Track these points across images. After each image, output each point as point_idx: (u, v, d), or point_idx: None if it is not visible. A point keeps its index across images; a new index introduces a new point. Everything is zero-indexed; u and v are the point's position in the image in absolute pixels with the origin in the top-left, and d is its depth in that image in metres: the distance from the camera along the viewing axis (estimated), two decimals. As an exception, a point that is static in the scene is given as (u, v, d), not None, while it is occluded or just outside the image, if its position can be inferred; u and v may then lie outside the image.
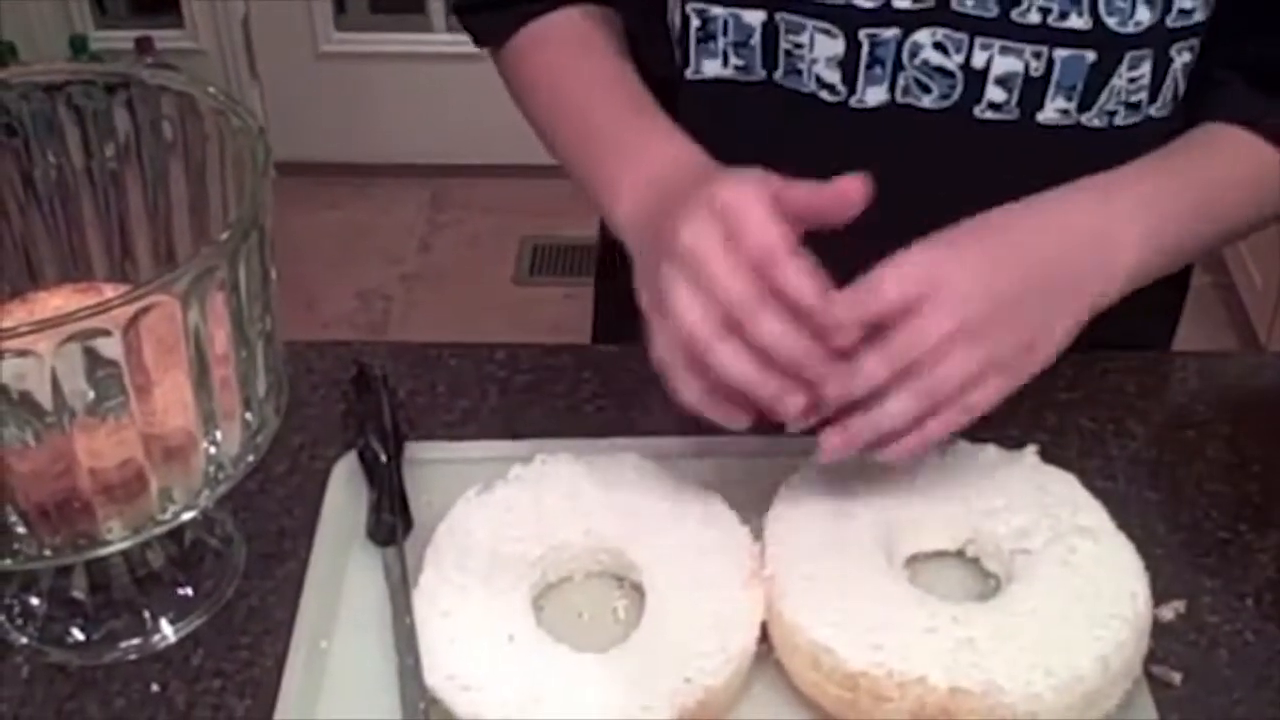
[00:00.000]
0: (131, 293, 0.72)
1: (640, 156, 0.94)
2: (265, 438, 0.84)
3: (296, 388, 0.97)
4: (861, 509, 0.88)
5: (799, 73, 0.97)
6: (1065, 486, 0.90)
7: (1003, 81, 0.94)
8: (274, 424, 0.85)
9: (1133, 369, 1.06)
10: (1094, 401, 1.03)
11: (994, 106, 0.96)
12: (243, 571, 0.92)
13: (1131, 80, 0.94)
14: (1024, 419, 0.99)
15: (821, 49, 0.95)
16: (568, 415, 1.03)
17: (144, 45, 2.93)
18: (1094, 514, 0.88)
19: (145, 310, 0.72)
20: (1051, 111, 0.95)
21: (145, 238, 0.90)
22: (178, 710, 0.84)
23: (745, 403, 0.81)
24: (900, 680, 0.78)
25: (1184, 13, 0.92)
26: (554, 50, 1.06)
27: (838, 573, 0.84)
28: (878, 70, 0.95)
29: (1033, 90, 0.94)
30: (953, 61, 0.94)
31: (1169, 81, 0.96)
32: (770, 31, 0.96)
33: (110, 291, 0.86)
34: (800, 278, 0.78)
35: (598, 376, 1.06)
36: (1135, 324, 0.97)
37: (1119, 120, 0.96)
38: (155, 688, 0.85)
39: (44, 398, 0.71)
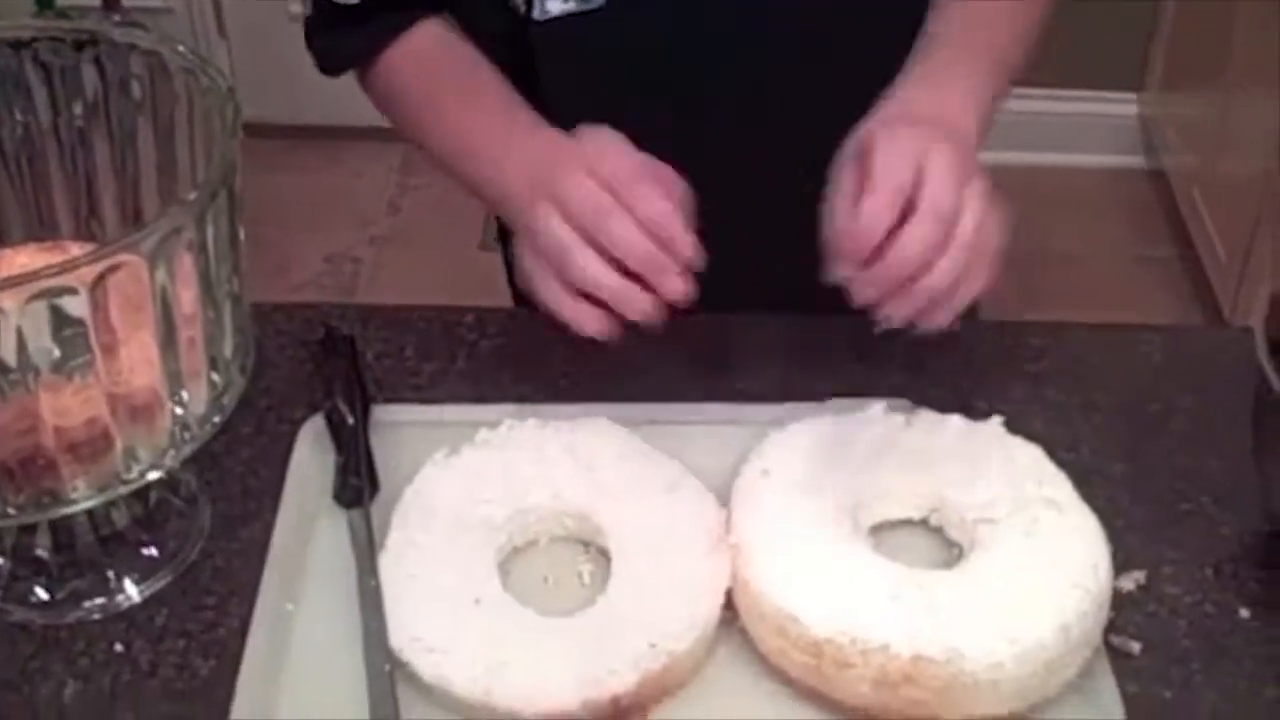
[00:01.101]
0: (98, 251, 0.72)
1: (523, 139, 1.00)
2: (231, 398, 0.84)
3: (263, 349, 0.96)
4: (827, 478, 0.89)
5: None
6: (1030, 458, 0.90)
7: None
8: (240, 385, 0.85)
9: (1098, 342, 1.07)
10: (1060, 373, 1.03)
11: None
12: (208, 532, 0.92)
13: None
14: (990, 390, 1.00)
15: None
16: (537, 379, 1.03)
17: (111, 2, 2.91)
18: (1058, 485, 0.88)
19: (112, 269, 0.72)
20: None
21: (112, 197, 0.89)
22: (141, 670, 0.84)
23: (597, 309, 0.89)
24: (863, 648, 0.79)
25: None
26: (425, 62, 1.10)
27: (803, 541, 0.85)
28: None
29: None
30: None
31: None
32: None
33: (76, 250, 0.85)
34: (652, 195, 0.88)
35: (565, 341, 1.06)
36: None
37: None
38: (119, 647, 0.85)
39: (9, 355, 0.71)
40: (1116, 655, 0.85)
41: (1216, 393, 1.01)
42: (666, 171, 0.91)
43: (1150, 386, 1.03)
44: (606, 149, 0.91)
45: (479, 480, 0.90)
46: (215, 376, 0.82)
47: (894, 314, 0.87)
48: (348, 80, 1.14)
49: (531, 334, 1.06)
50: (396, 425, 0.98)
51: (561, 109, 1.03)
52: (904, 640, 0.79)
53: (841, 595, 0.81)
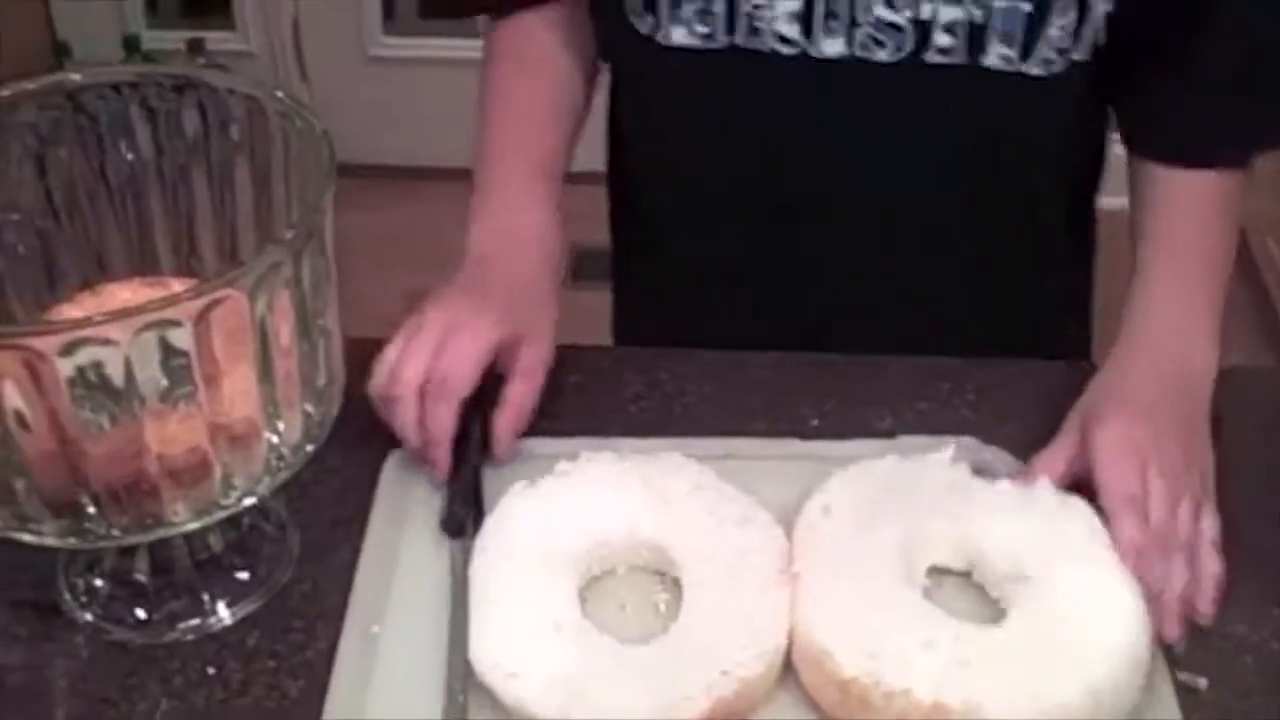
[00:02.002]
0: (202, 286, 0.76)
1: (503, 207, 1.11)
2: (323, 429, 0.88)
3: (350, 382, 0.99)
4: (883, 519, 0.90)
5: (758, 32, 1.04)
6: (1077, 515, 0.91)
7: (949, 29, 1.01)
8: (332, 416, 0.89)
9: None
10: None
11: (942, 51, 1.02)
12: (297, 557, 0.95)
13: (1060, 28, 1.01)
14: (1048, 432, 1.01)
15: (782, 5, 1.02)
16: (613, 414, 1.06)
17: (195, 46, 2.98)
18: (1100, 544, 0.89)
19: (215, 303, 0.75)
20: (994, 57, 1.02)
21: (211, 234, 0.93)
22: (233, 689, 0.87)
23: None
24: (887, 690, 0.80)
25: None
26: (525, 64, 1.18)
27: (852, 579, 0.87)
28: (834, 24, 1.02)
29: (977, 35, 1.01)
30: (902, 16, 1.01)
31: (1088, 29, 1.02)
32: None
33: (177, 285, 0.89)
34: (443, 424, 0.97)
35: (642, 378, 1.09)
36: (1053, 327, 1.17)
37: (1055, 68, 1.03)
38: (211, 669, 0.88)
39: (119, 384, 0.74)
40: (1184, 691, 0.86)
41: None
42: (527, 369, 1.01)
43: (1218, 427, 1.04)
44: (470, 340, 0.98)
45: (558, 511, 0.93)
46: (309, 407, 0.86)
47: (1171, 632, 0.89)
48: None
49: (610, 372, 1.09)
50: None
51: (656, 139, 1.11)
52: (927, 688, 0.80)
53: (876, 637, 0.83)
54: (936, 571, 0.91)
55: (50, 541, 0.82)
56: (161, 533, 0.83)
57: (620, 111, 1.22)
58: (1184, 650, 0.88)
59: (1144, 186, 1.09)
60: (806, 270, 1.16)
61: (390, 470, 1.00)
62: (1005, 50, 1.02)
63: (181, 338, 0.75)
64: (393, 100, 3.07)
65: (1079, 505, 0.92)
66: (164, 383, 0.76)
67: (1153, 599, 0.87)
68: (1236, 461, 1.01)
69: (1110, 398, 0.98)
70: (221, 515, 0.84)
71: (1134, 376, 1.00)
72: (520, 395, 1.00)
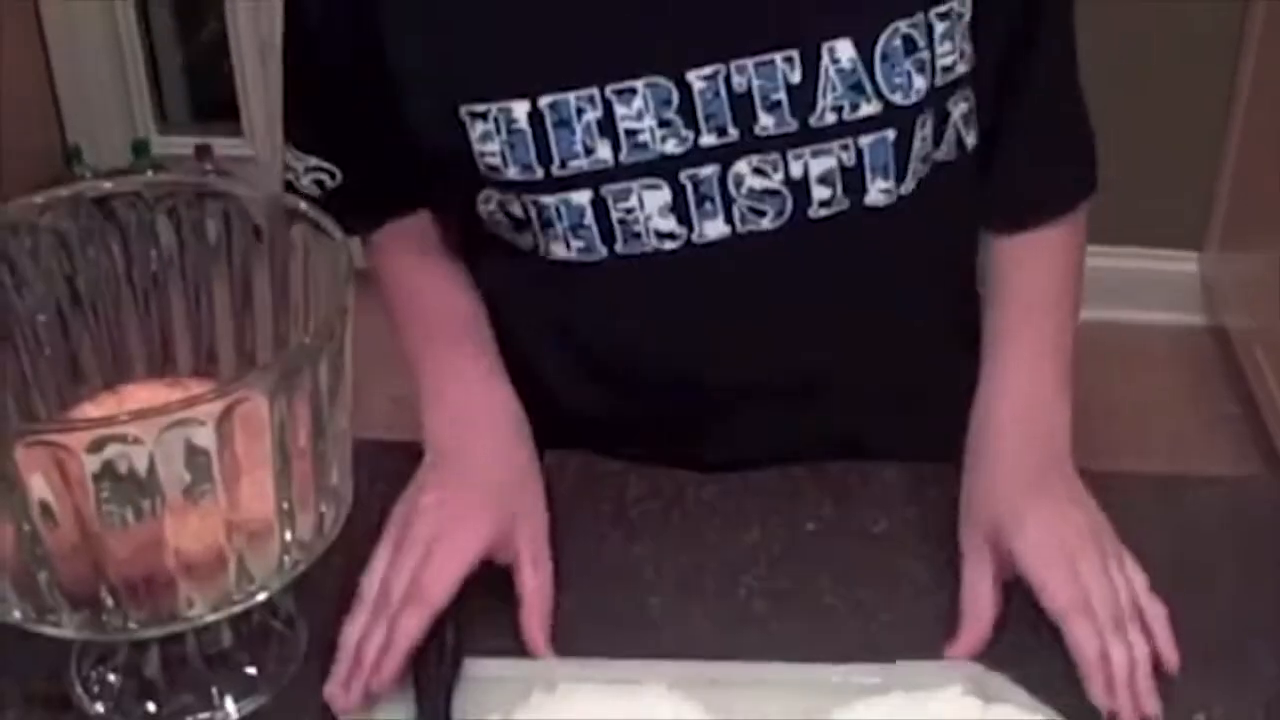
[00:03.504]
0: (224, 387, 0.79)
1: (455, 390, 1.11)
2: (335, 527, 0.90)
3: (356, 482, 1.02)
4: None
5: (638, 236, 1.05)
6: None
7: (824, 179, 1.03)
8: (343, 515, 0.91)
9: (1149, 490, 1.11)
10: (1111, 520, 1.07)
11: (824, 204, 1.04)
12: (304, 654, 0.97)
13: (922, 140, 1.05)
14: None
15: (652, 203, 1.03)
16: (615, 519, 1.08)
17: (203, 152, 3.03)
18: None
19: (236, 404, 0.78)
20: (876, 194, 1.05)
21: (229, 337, 0.96)
22: (241, 782, 0.89)
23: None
24: None
25: (947, 70, 1.04)
26: (412, 256, 1.18)
27: None
28: (709, 206, 1.03)
29: (853, 177, 1.04)
30: (774, 180, 1.03)
31: (950, 130, 1.08)
32: (600, 208, 1.03)
33: (195, 387, 0.92)
34: (410, 623, 0.94)
35: (641, 481, 1.12)
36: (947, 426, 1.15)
37: (919, 173, 1.06)
38: (219, 761, 0.90)
39: (143, 480, 0.77)
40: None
41: (1266, 542, 1.05)
42: (532, 556, 1.00)
43: (1201, 535, 1.07)
44: (455, 545, 0.98)
45: None
46: (323, 506, 0.88)
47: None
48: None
49: (612, 478, 1.11)
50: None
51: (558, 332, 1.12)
52: None
53: None
54: None
55: (68, 634, 0.85)
56: (176, 626, 0.85)
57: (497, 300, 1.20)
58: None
59: (993, 264, 1.16)
60: (694, 421, 1.16)
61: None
62: (884, 184, 1.04)
63: (204, 437, 0.77)
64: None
65: None
66: (187, 479, 0.79)
67: (1121, 685, 0.90)
68: (1217, 570, 1.04)
69: (1004, 500, 1.01)
70: (235, 610, 0.86)
71: (1012, 465, 1.04)
72: (537, 589, 0.99)
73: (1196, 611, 1.00)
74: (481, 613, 1.00)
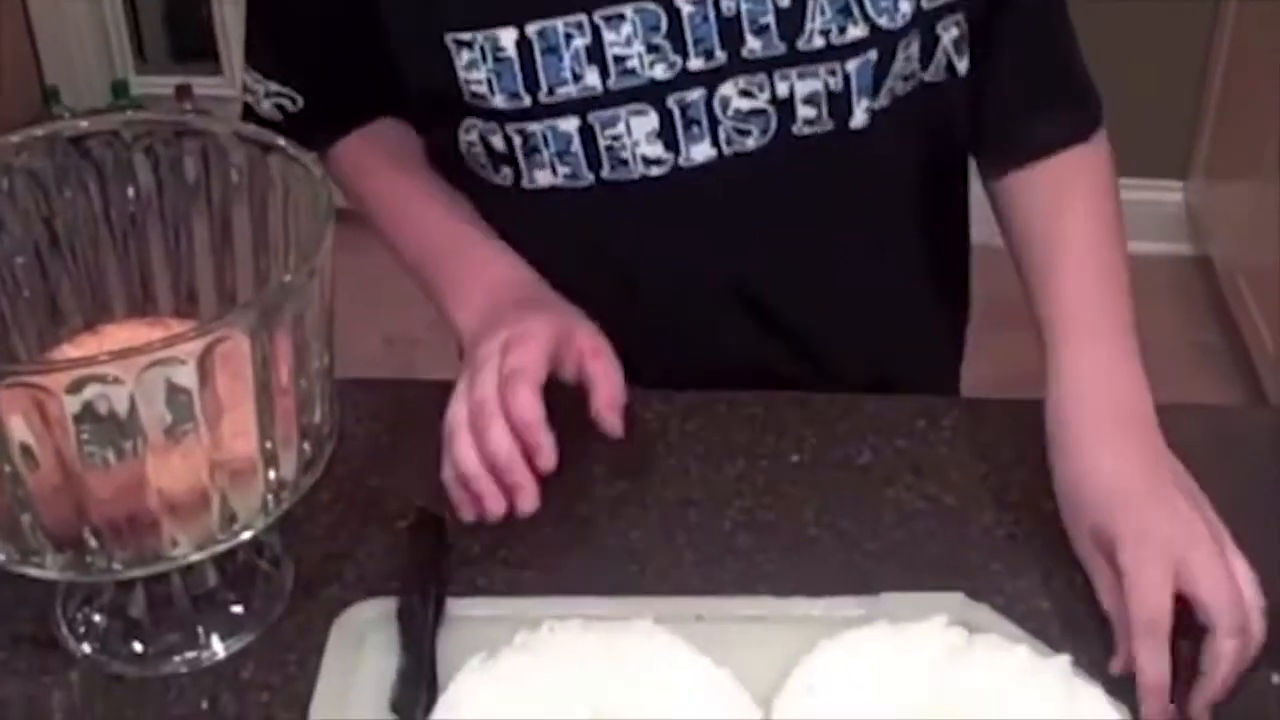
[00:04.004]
0: (204, 326, 0.79)
1: (479, 275, 1.07)
2: (320, 464, 0.90)
3: (341, 422, 1.02)
4: (874, 703, 0.85)
5: (625, 163, 1.04)
6: (1092, 700, 0.86)
7: (809, 100, 1.03)
8: (327, 453, 0.91)
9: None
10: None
11: (809, 122, 1.04)
12: (290, 591, 0.97)
13: (906, 60, 1.04)
14: (1030, 467, 1.05)
15: (639, 129, 1.03)
16: (598, 455, 1.08)
17: (183, 92, 3.01)
18: None
19: (217, 342, 0.78)
20: (861, 114, 1.05)
21: (209, 275, 0.96)
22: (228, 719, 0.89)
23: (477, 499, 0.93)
24: None
25: None
26: (384, 160, 1.16)
27: None
28: (695, 130, 1.03)
29: (839, 101, 1.04)
30: (761, 100, 1.03)
31: (939, 54, 1.06)
32: (588, 135, 1.03)
33: (176, 326, 0.91)
34: (526, 400, 0.92)
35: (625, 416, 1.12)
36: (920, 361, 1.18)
37: (899, 91, 1.06)
38: (207, 700, 0.90)
39: (124, 420, 0.77)
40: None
41: (1251, 470, 1.05)
42: (595, 347, 0.98)
43: (1187, 464, 1.06)
44: (525, 334, 0.96)
45: (516, 692, 0.86)
46: (306, 445, 0.88)
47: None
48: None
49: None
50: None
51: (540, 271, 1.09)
52: None
53: None
54: None
55: (52, 575, 0.85)
56: (161, 566, 0.85)
57: None
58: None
59: (1016, 209, 1.12)
60: (678, 339, 1.16)
61: (337, 640, 0.93)
62: (869, 103, 1.04)
63: (185, 376, 0.77)
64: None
65: (1093, 689, 0.87)
66: (168, 419, 0.79)
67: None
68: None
69: (1107, 504, 0.95)
70: (219, 549, 0.86)
71: (1108, 456, 0.97)
72: (604, 370, 0.97)
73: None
74: (465, 553, 1.00)
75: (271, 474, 0.86)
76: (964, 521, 1.02)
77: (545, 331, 0.97)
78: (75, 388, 0.75)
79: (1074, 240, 1.08)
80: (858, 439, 1.09)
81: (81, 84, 3.06)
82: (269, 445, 0.85)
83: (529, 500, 0.92)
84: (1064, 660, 0.88)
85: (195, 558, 0.86)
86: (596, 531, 1.03)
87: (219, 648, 0.93)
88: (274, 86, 1.12)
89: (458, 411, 0.94)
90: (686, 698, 0.86)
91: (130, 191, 0.93)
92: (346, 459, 1.05)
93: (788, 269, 1.12)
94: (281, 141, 0.89)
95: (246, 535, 0.87)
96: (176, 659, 0.92)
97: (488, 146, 1.06)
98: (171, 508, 0.83)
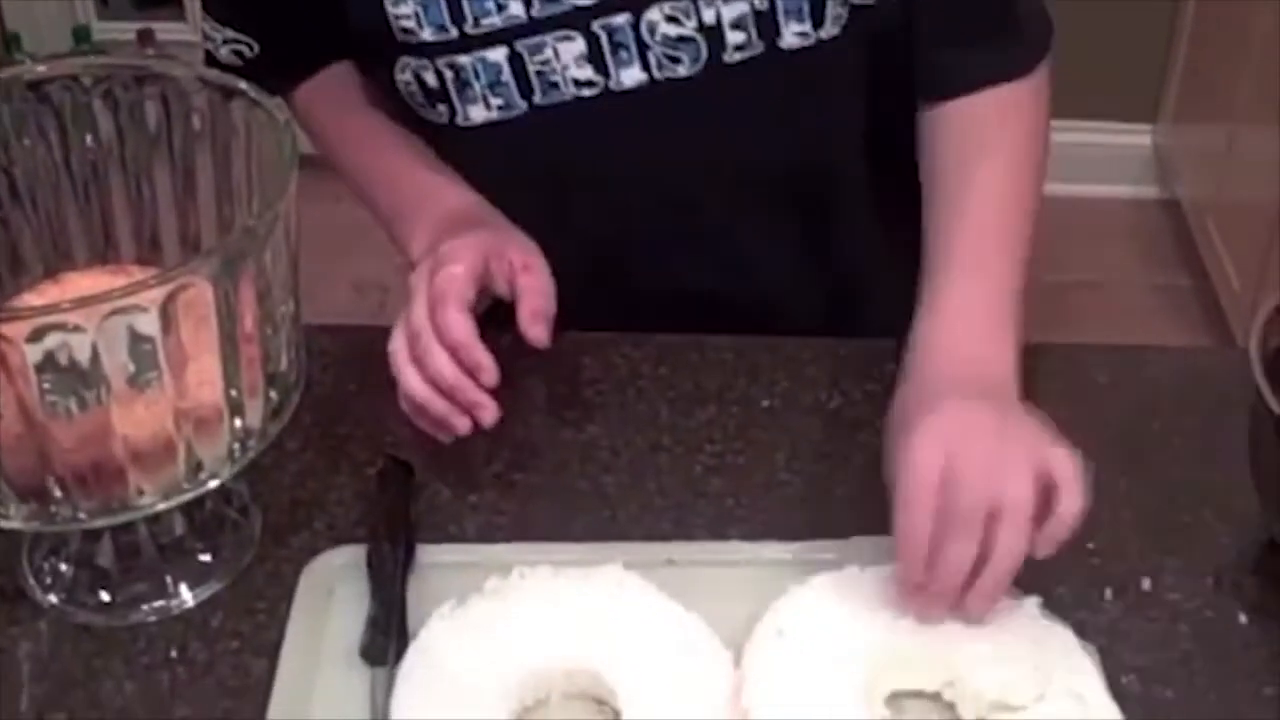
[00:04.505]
0: (166, 273, 0.78)
1: (427, 206, 1.07)
2: (286, 412, 0.90)
3: (309, 369, 1.01)
4: (844, 643, 0.85)
5: (555, 86, 1.04)
6: (1061, 642, 0.87)
7: (738, 25, 1.03)
8: (294, 401, 0.90)
9: (1106, 363, 1.12)
10: (1069, 392, 1.08)
11: (739, 48, 1.04)
12: (258, 539, 0.97)
13: None
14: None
15: (567, 54, 1.03)
16: (570, 401, 1.08)
17: (145, 37, 2.97)
18: (1086, 676, 0.85)
19: (180, 290, 0.77)
20: (791, 37, 1.03)
21: (172, 223, 0.95)
22: (197, 669, 0.89)
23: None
24: None
25: None
26: (336, 103, 1.17)
27: (810, 710, 0.82)
28: (624, 54, 1.03)
29: (766, 21, 1.03)
30: (688, 27, 1.02)
31: None
32: (517, 64, 1.03)
33: (139, 274, 0.90)
34: (460, 327, 0.92)
35: (597, 361, 1.11)
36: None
37: (843, 21, 1.04)
38: (176, 649, 0.90)
39: (86, 369, 0.76)
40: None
41: (1219, 410, 1.06)
42: (525, 262, 0.98)
43: (1155, 405, 1.07)
44: (450, 254, 0.96)
45: (487, 637, 0.86)
46: (272, 392, 0.87)
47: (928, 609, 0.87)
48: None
49: (568, 356, 1.11)
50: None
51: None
52: None
53: None
54: (898, 696, 0.86)
55: (16, 525, 0.84)
56: (127, 516, 0.85)
57: None
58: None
59: (933, 142, 1.08)
60: (616, 266, 1.15)
61: (306, 587, 0.93)
62: (799, 26, 1.03)
63: (148, 324, 0.76)
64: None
65: (1062, 630, 0.88)
66: (131, 368, 0.78)
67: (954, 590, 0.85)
68: (1172, 440, 1.05)
69: (920, 409, 0.91)
70: (185, 498, 0.86)
71: (930, 388, 0.93)
72: (532, 283, 0.97)
73: (1150, 481, 1.01)
74: (434, 499, 1.00)
75: (238, 422, 0.85)
76: (934, 465, 1.02)
77: (471, 251, 0.97)
78: (36, 336, 0.74)
79: (980, 192, 1.03)
80: (828, 383, 1.09)
81: (43, 30, 3.02)
82: (234, 393, 0.84)
83: (488, 414, 0.93)
84: (1033, 601, 0.89)
85: (162, 507, 0.85)
86: (567, 476, 1.02)
87: (188, 596, 0.93)
88: (230, 34, 1.12)
89: (397, 342, 0.95)
90: (657, 642, 0.86)
91: (90, 138, 0.92)
92: (314, 406, 1.05)
93: (726, 194, 1.12)
94: (244, 86, 0.88)
95: (213, 484, 0.86)
96: (145, 608, 0.92)
97: (422, 84, 1.06)
98: (137, 457, 0.82)
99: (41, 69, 0.91)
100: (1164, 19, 2.88)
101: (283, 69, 1.14)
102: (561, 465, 1.03)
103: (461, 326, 0.93)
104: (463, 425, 0.94)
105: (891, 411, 0.94)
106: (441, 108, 1.07)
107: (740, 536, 0.97)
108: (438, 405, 0.93)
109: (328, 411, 1.06)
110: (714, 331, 1.14)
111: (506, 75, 1.03)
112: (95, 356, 0.76)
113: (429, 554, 0.95)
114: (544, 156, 1.08)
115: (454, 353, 0.92)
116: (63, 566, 0.94)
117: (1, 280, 0.93)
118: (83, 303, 0.74)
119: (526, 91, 1.04)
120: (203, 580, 0.93)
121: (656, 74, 1.04)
